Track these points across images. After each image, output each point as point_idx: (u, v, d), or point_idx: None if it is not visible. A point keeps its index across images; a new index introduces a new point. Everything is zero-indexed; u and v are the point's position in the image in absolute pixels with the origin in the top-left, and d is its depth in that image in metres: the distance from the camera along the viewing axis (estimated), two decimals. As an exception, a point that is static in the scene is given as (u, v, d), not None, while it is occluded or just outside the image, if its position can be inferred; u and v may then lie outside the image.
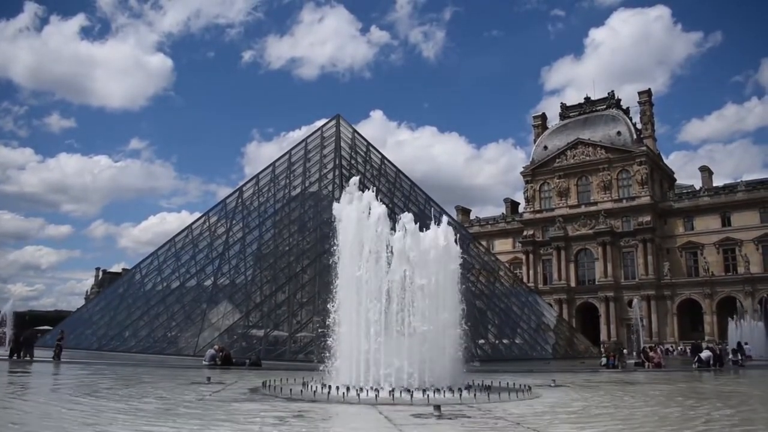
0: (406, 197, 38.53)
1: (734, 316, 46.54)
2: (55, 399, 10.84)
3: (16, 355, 23.16)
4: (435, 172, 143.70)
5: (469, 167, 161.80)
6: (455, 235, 14.50)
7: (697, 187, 66.19)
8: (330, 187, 34.20)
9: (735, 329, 43.77)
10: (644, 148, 64.55)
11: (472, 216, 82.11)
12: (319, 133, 40.71)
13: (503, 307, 38.52)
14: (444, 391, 11.61)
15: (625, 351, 36.18)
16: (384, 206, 14.12)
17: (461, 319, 13.67)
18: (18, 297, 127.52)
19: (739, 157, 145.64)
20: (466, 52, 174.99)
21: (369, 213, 13.66)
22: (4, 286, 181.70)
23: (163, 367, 21.26)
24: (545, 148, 71.40)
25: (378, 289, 13.05)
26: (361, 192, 14.17)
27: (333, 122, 40.44)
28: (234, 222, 38.40)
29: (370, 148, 40.99)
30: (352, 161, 38.16)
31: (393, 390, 11.50)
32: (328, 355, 13.49)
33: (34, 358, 23.26)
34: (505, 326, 37.24)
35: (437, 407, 8.82)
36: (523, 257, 69.00)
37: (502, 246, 71.93)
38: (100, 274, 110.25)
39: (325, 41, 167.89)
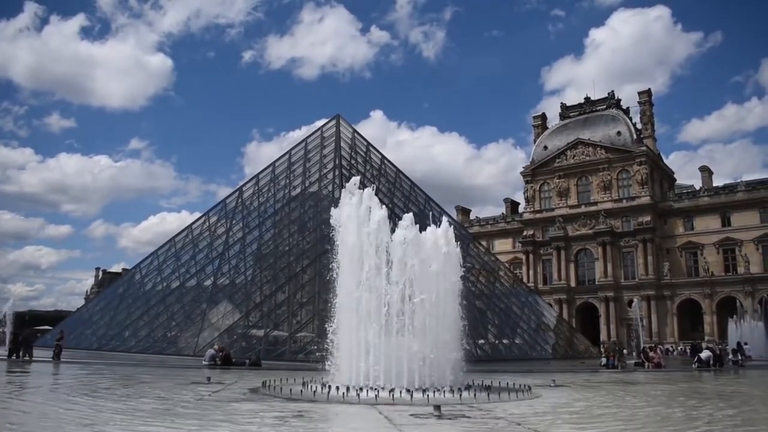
0: (406, 197, 38.51)
1: (734, 317, 46.51)
2: (53, 399, 10.81)
3: (15, 355, 23.08)
4: (435, 172, 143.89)
5: (469, 167, 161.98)
6: (455, 234, 14.47)
7: (697, 187, 66.19)
8: (330, 187, 34.16)
9: (735, 329, 43.76)
10: (644, 148, 64.54)
11: (472, 216, 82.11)
12: (319, 133, 40.68)
13: (503, 307, 38.49)
14: (444, 391, 11.59)
15: (625, 351, 36.17)
16: (384, 206, 14.10)
17: (461, 319, 13.64)
18: (18, 297, 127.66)
19: (739, 157, 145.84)
20: (466, 52, 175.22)
21: (369, 214, 13.65)
22: (4, 286, 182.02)
23: (163, 367, 21.23)
24: (545, 148, 71.38)
25: (378, 288, 13.02)
26: (361, 190, 14.16)
27: (333, 122, 40.40)
28: (234, 222, 38.37)
29: (370, 148, 40.96)
30: (352, 161, 38.14)
31: (393, 390, 11.48)
32: (328, 354, 13.47)
33: (33, 358, 23.21)
34: (505, 326, 37.21)
35: (437, 407, 8.80)
36: (523, 257, 68.99)
37: (502, 246, 71.92)
38: (100, 274, 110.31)
39: (325, 41, 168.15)
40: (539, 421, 8.69)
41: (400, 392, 11.25)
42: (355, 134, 41.08)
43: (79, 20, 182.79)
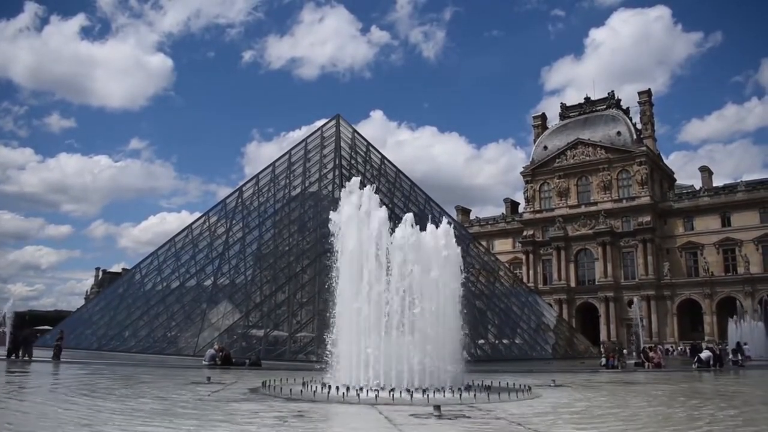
0: (406, 197, 38.51)
1: (734, 317, 46.50)
2: (52, 399, 10.79)
3: (14, 355, 23.03)
4: (435, 172, 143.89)
5: (469, 167, 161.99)
6: (455, 234, 14.46)
7: (697, 187, 66.19)
8: (330, 187, 34.16)
9: (735, 329, 43.75)
10: (644, 148, 64.55)
11: (472, 216, 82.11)
12: (319, 133, 40.68)
13: (503, 307, 38.49)
14: (444, 391, 11.59)
15: (625, 351, 36.18)
16: (384, 206, 14.10)
17: (461, 319, 13.63)
18: (18, 297, 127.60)
19: (739, 157, 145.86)
20: (466, 52, 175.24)
21: (369, 214, 13.64)
22: (4, 286, 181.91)
23: (163, 367, 21.22)
24: (545, 148, 71.38)
25: (378, 289, 13.02)
26: (360, 190, 14.16)
27: (333, 122, 40.41)
28: (234, 222, 38.36)
29: (370, 148, 40.96)
30: (352, 161, 38.14)
31: (393, 390, 11.47)
32: (328, 354, 13.47)
33: (33, 358, 23.16)
34: (505, 326, 37.20)
35: (437, 407, 8.79)
36: (523, 257, 68.99)
37: (502, 246, 71.92)
38: (100, 274, 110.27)
39: (325, 41, 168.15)
40: (540, 422, 8.68)
41: (400, 392, 11.24)
42: (355, 134, 41.09)
43: (79, 20, 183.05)
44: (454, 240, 14.09)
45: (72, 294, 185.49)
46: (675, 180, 73.27)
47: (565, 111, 74.88)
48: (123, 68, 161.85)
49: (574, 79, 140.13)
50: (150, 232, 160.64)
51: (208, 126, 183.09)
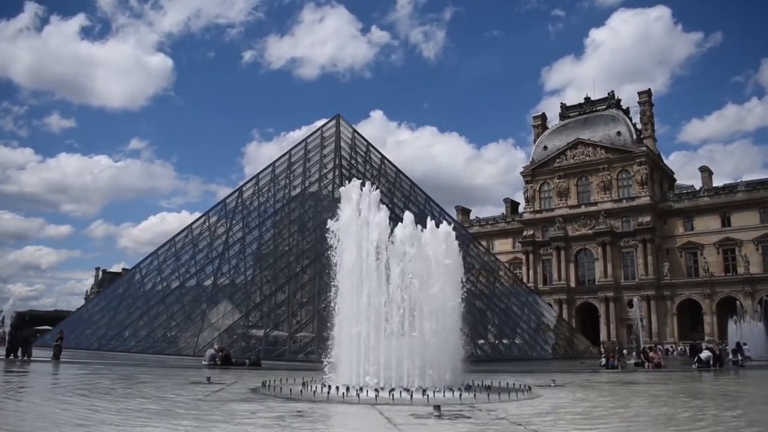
0: (406, 197, 38.50)
1: (734, 317, 46.51)
2: (50, 399, 10.79)
3: (12, 354, 22.96)
4: (435, 172, 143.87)
5: (469, 167, 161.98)
6: (455, 234, 14.46)
7: (697, 188, 66.18)
8: (330, 187, 34.16)
9: (735, 330, 43.75)
10: (644, 148, 64.55)
11: (472, 216, 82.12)
12: (319, 133, 40.68)
13: (503, 307, 38.49)
14: (444, 391, 11.59)
15: (625, 351, 36.19)
16: (384, 207, 14.10)
17: (461, 320, 13.64)
18: (18, 297, 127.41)
19: (739, 157, 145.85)
20: (466, 52, 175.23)
21: (369, 215, 13.65)
22: (4, 286, 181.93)
23: (163, 367, 21.21)
24: (545, 148, 71.39)
25: (378, 289, 13.02)
26: (360, 189, 14.16)
27: (333, 122, 40.41)
28: (234, 222, 38.36)
29: (370, 148, 40.96)
30: (352, 161, 38.14)
31: (393, 390, 11.47)
32: (328, 354, 13.48)
33: (32, 358, 23.10)
34: (505, 326, 37.20)
35: (437, 407, 8.79)
36: (523, 257, 68.99)
37: (502, 246, 71.92)
38: (100, 274, 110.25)
39: (325, 41, 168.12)
40: (541, 422, 8.69)
41: (400, 392, 11.24)
42: (355, 134, 41.09)
43: (80, 20, 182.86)
44: (454, 240, 14.09)
45: (72, 294, 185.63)
46: (675, 180, 73.27)
47: (565, 111, 74.88)
48: (123, 68, 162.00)
49: (574, 79, 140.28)
50: (150, 232, 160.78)
51: (208, 126, 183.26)
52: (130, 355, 29.38)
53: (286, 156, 40.33)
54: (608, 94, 73.28)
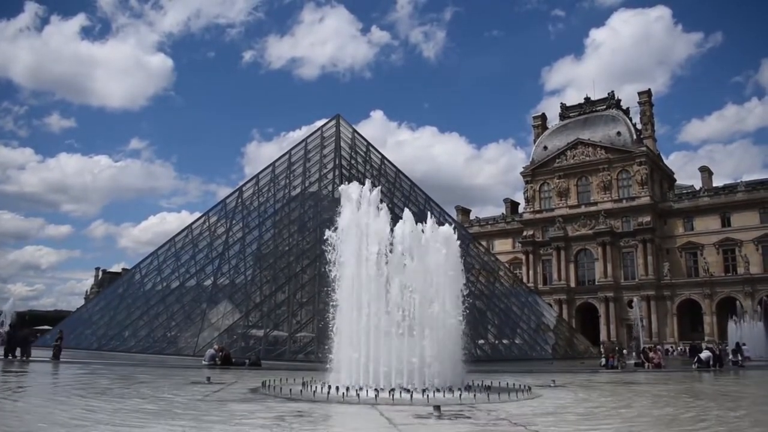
0: (406, 197, 38.48)
1: (734, 317, 46.52)
2: (48, 399, 10.78)
3: (11, 355, 22.89)
4: (435, 172, 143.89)
5: (469, 167, 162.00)
6: (455, 233, 14.45)
7: (697, 188, 66.19)
8: (330, 187, 34.15)
9: (735, 330, 43.76)
10: (644, 148, 64.55)
11: (472, 216, 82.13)
12: (319, 133, 40.67)
13: (503, 307, 38.47)
14: (444, 392, 11.58)
15: (624, 351, 36.21)
16: (385, 206, 14.09)
17: (461, 320, 13.62)
18: (18, 297, 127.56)
19: (739, 157, 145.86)
20: (466, 52, 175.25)
21: (370, 215, 13.65)
22: (4, 286, 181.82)
23: (163, 367, 21.19)
24: (545, 148, 71.39)
25: (378, 289, 13.02)
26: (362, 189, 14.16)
27: (333, 122, 40.39)
28: (234, 222, 38.35)
29: (370, 148, 40.95)
30: (352, 161, 38.13)
31: (393, 390, 11.47)
32: (327, 355, 13.47)
33: (31, 358, 23.05)
34: (505, 326, 37.18)
35: (437, 407, 8.79)
36: (523, 257, 68.98)
37: (502, 246, 71.92)
38: (100, 274, 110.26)
39: (325, 41, 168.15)
40: (541, 422, 8.68)
41: (400, 392, 11.24)
42: (355, 134, 41.08)
43: (80, 20, 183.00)
44: (454, 240, 14.07)
45: (72, 294, 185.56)
46: (675, 180, 73.28)
47: (565, 111, 74.89)
48: (123, 68, 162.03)
49: (574, 79, 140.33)
50: (150, 232, 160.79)
51: (208, 126, 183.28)
52: (130, 355, 29.37)
53: (286, 156, 40.32)
54: (608, 94, 73.31)
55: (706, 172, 66.89)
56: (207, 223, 39.55)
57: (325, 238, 13.97)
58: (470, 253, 38.94)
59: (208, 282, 35.42)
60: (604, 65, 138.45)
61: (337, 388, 11.34)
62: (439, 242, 13.71)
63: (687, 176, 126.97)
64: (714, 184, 65.26)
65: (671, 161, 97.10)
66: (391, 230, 13.46)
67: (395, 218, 14.01)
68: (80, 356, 27.58)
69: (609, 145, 66.16)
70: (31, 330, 37.22)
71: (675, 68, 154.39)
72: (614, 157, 65.48)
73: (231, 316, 32.46)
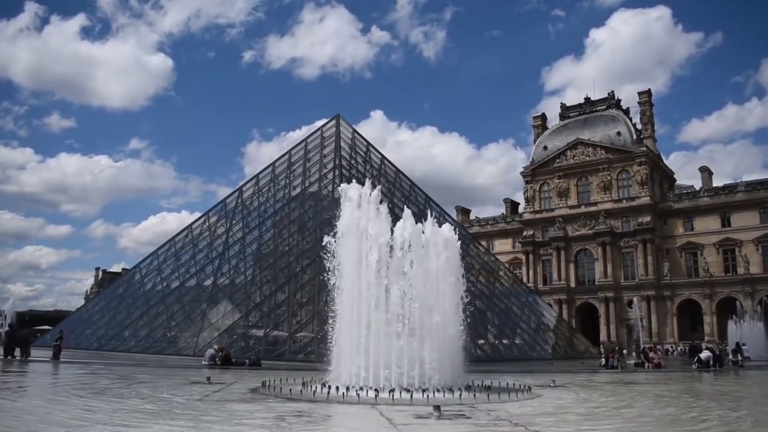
0: (406, 197, 38.47)
1: (734, 317, 46.51)
2: (47, 399, 10.77)
3: (9, 355, 22.82)
4: (435, 172, 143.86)
5: (469, 167, 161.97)
6: (456, 233, 14.45)
7: (697, 188, 66.19)
8: (330, 187, 34.13)
9: (735, 330, 43.75)
10: (644, 148, 64.54)
11: (472, 216, 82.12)
12: (319, 133, 40.67)
13: (503, 307, 38.47)
14: (444, 392, 11.58)
15: (625, 351, 36.21)
16: (386, 206, 14.10)
17: (461, 320, 13.62)
18: (18, 297, 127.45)
19: (739, 157, 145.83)
20: (466, 52, 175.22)
21: (370, 215, 13.65)
22: (4, 286, 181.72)
23: (163, 367, 21.18)
24: (545, 148, 71.38)
25: (378, 289, 13.01)
26: (360, 187, 14.16)
27: (333, 122, 40.39)
28: (234, 222, 38.34)
29: (370, 148, 40.95)
30: (352, 161, 38.12)
31: (393, 390, 11.46)
32: (328, 355, 13.47)
33: (30, 358, 23.04)
34: (505, 326, 37.18)
35: (437, 407, 8.78)
36: (523, 257, 68.98)
37: (502, 246, 71.92)
38: (100, 274, 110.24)
39: (325, 41, 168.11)
40: (542, 422, 8.68)
41: (400, 392, 11.23)
42: (355, 134, 41.08)
43: (80, 20, 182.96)
44: (455, 240, 14.06)
45: (72, 294, 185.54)
46: (675, 180, 73.27)
47: (565, 111, 74.89)
48: (123, 68, 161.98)
49: (574, 79, 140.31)
50: (150, 232, 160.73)
51: (208, 126, 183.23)
52: (130, 355, 29.36)
53: (286, 156, 40.32)
54: (608, 94, 73.31)
55: (706, 172, 66.89)
56: (207, 223, 39.55)
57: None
58: (470, 253, 38.94)
59: (208, 282, 35.42)
60: (604, 65, 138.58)
61: (337, 388, 11.34)
62: (440, 242, 13.70)
63: (687, 176, 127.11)
64: (714, 184, 65.27)
65: (671, 161, 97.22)
66: (391, 230, 13.46)
67: (395, 218, 14.00)
68: (80, 356, 27.57)
69: (609, 145, 66.15)
70: (31, 330, 37.22)
71: (675, 68, 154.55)
72: (614, 157, 65.48)
73: (231, 316, 32.46)
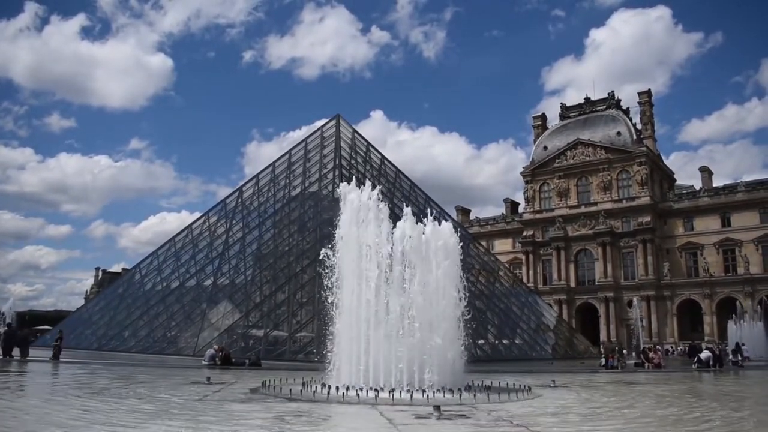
0: (405, 197, 38.43)
1: (734, 317, 46.50)
2: (46, 399, 10.74)
3: (7, 355, 22.71)
4: (435, 172, 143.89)
5: (469, 167, 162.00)
6: (456, 233, 14.42)
7: (697, 188, 66.20)
8: (330, 187, 34.10)
9: (735, 330, 43.74)
10: (644, 148, 64.54)
11: (472, 216, 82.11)
12: (319, 133, 40.64)
13: (503, 307, 38.45)
14: (444, 392, 11.55)
15: (625, 351, 36.19)
16: (385, 205, 14.07)
17: (461, 320, 13.59)
18: (18, 297, 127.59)
19: (739, 157, 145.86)
20: (466, 52, 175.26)
21: (370, 215, 13.63)
22: (4, 286, 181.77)
23: (163, 367, 21.15)
24: (545, 148, 71.37)
25: (378, 289, 12.98)
26: (360, 188, 14.14)
27: (333, 122, 40.37)
28: (234, 222, 38.32)
29: (370, 148, 40.93)
30: (352, 161, 38.10)
31: (393, 390, 11.43)
32: (328, 355, 13.44)
33: (29, 358, 22.98)
34: (505, 326, 37.16)
35: (437, 407, 8.75)
36: (523, 257, 68.97)
37: (502, 246, 71.92)
38: (100, 274, 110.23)
39: (325, 41, 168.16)
40: (542, 422, 8.65)
41: (400, 392, 11.20)
42: (355, 134, 41.05)
43: (80, 20, 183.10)
44: (455, 240, 14.03)
45: (72, 294, 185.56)
46: (675, 180, 73.27)
47: (565, 111, 74.89)
48: (123, 68, 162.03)
49: (575, 80, 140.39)
50: (150, 232, 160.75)
51: (208, 126, 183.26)
52: (130, 355, 29.34)
53: (286, 156, 40.29)
54: (608, 94, 73.33)
55: (706, 172, 66.89)
56: (207, 223, 39.53)
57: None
58: (470, 253, 38.92)
59: (208, 282, 35.39)
60: (604, 65, 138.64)
61: (337, 388, 11.31)
62: (440, 242, 13.67)
63: (687, 176, 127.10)
64: (714, 184, 65.27)
65: (671, 161, 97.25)
66: (391, 231, 13.43)
67: (395, 218, 13.98)
68: (80, 356, 27.53)
69: (609, 145, 66.15)
70: (30, 330, 37.17)
71: (675, 68, 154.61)
72: (614, 157, 65.47)
73: (231, 316, 32.43)
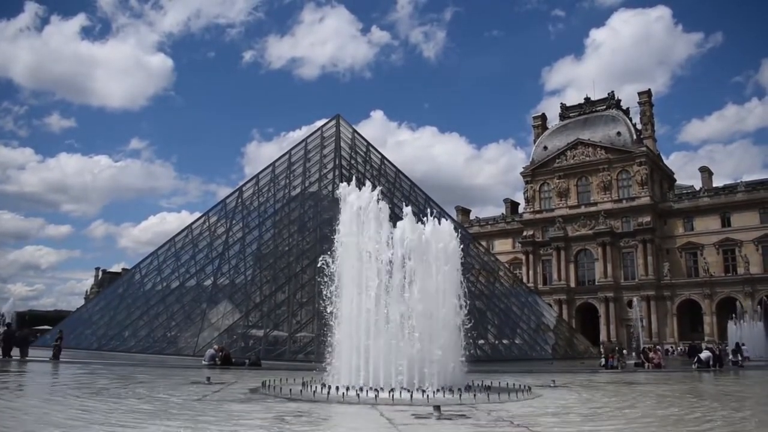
0: (405, 197, 38.40)
1: (734, 317, 46.49)
2: (45, 399, 10.73)
3: (7, 355, 22.68)
4: (435, 172, 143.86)
5: (469, 167, 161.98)
6: (456, 233, 14.40)
7: (697, 188, 66.18)
8: (330, 187, 34.09)
9: (735, 330, 43.73)
10: (644, 148, 64.53)
11: (472, 216, 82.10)
12: (319, 133, 40.64)
13: (503, 307, 38.43)
14: (444, 392, 11.53)
15: (625, 351, 36.18)
16: (385, 204, 14.05)
17: (461, 320, 13.56)
18: (18, 297, 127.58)
19: (739, 157, 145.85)
20: (466, 52, 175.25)
21: (370, 216, 13.61)
22: (4, 286, 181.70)
23: (162, 367, 21.14)
24: (545, 148, 71.36)
25: (378, 289, 12.96)
26: (359, 189, 14.12)
27: (333, 122, 40.36)
28: (234, 222, 38.31)
29: (370, 148, 40.92)
30: (352, 161, 38.09)
31: (393, 390, 11.41)
32: (328, 355, 13.42)
33: (29, 358, 22.97)
34: (505, 326, 37.15)
35: (437, 407, 8.74)
36: (523, 257, 68.95)
37: (502, 246, 71.90)
38: (100, 274, 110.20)
39: (325, 41, 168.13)
40: (542, 422, 8.64)
41: (400, 392, 11.18)
42: (355, 134, 41.04)
43: (80, 20, 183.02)
44: (455, 243, 14.00)
45: (72, 294, 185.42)
46: (675, 180, 73.25)
47: (565, 111, 74.88)
48: (123, 68, 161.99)
49: (575, 80, 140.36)
50: (150, 232, 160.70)
51: (208, 126, 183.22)
52: (130, 355, 29.33)
53: (286, 156, 40.28)
54: (608, 94, 73.31)
55: (706, 172, 66.89)
56: (207, 223, 39.51)
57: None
58: (470, 253, 38.90)
59: (208, 282, 35.38)
60: (604, 65, 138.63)
61: (337, 388, 11.29)
62: (440, 245, 13.64)
63: (687, 176, 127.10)
64: (714, 184, 65.26)
65: (671, 161, 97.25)
66: (391, 233, 13.41)
67: (395, 219, 13.96)
68: (80, 356, 27.52)
69: (609, 146, 66.13)
70: (30, 330, 37.15)
71: (675, 68, 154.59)
72: (614, 158, 65.46)
73: (231, 316, 32.42)
